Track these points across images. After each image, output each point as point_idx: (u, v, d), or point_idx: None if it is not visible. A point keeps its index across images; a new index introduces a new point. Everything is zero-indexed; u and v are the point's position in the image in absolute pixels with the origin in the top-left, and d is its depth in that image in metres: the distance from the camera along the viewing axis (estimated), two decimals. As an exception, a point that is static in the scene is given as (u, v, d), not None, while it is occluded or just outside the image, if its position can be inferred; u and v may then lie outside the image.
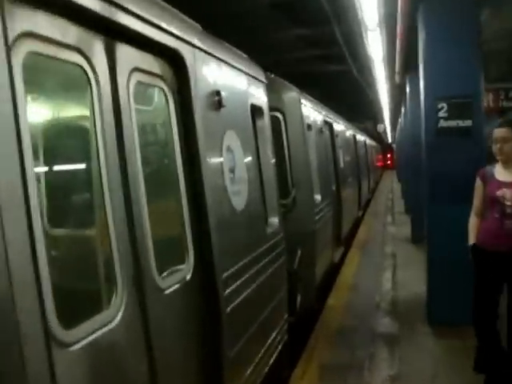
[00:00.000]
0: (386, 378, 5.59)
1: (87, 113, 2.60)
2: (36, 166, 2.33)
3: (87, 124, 2.64)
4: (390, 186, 34.38)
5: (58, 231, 3.10)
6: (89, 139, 2.63)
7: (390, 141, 55.70)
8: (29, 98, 2.29)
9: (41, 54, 2.27)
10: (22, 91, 2.07)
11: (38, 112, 2.79)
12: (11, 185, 1.92)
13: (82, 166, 2.95)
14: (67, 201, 3.01)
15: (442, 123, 6.85)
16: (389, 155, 60.76)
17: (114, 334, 2.52)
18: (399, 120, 27.12)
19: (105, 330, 2.44)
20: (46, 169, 2.92)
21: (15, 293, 1.86)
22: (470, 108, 6.79)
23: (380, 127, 42.01)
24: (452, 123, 6.82)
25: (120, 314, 2.58)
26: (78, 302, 2.66)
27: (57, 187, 3.00)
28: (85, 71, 2.53)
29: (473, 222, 5.25)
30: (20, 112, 2.01)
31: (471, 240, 5.16)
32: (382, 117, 33.96)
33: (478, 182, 5.22)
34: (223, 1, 9.07)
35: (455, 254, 6.64)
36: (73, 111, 3.09)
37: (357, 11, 8.07)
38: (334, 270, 10.27)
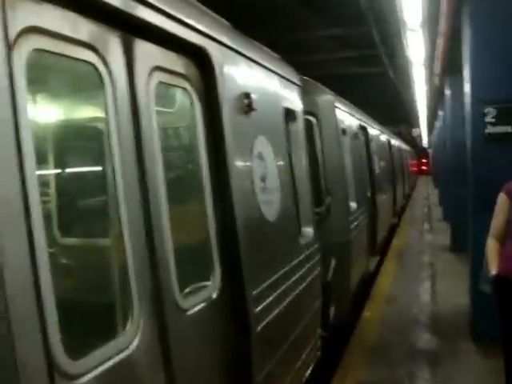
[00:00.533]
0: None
1: (101, 115, 2.38)
2: (41, 171, 2.09)
3: (101, 127, 2.45)
4: (426, 192, 33.84)
5: (67, 241, 2.89)
6: (102, 143, 2.42)
7: (425, 145, 55.02)
8: (32, 101, 2.07)
9: (47, 52, 2.05)
10: (24, 93, 1.86)
11: (42, 115, 2.57)
12: (9, 193, 1.71)
13: (95, 171, 2.76)
14: (78, 209, 2.80)
15: (490, 129, 6.51)
16: (424, 160, 59.96)
17: (130, 363, 2.27)
18: (436, 124, 26.62)
19: (119, 358, 2.19)
20: (52, 175, 2.71)
21: (11, 315, 1.62)
22: None
23: (415, 131, 41.52)
24: (501, 129, 6.47)
25: (136, 340, 2.33)
26: (88, 326, 2.45)
27: (65, 194, 2.78)
28: (98, 70, 2.31)
29: (493, 246, 4.62)
30: (21, 116, 1.81)
31: (493, 269, 4.56)
32: (417, 121, 33.49)
33: (503, 198, 4.66)
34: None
35: None
36: (84, 114, 2.87)
37: (397, 10, 7.78)
38: (369, 279, 9.99)
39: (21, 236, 1.72)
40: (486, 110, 6.50)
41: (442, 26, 8.00)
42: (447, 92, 13.46)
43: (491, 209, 6.53)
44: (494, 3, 6.53)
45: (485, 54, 6.59)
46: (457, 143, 11.85)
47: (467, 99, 6.88)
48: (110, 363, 2.13)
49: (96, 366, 2.05)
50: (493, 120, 6.47)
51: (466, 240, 7.56)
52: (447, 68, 11.51)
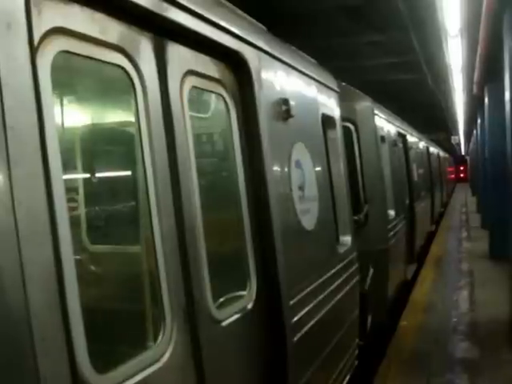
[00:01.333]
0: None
1: (131, 120, 2.31)
2: (68, 176, 2.05)
3: (131, 132, 2.36)
4: (464, 200, 33.27)
5: (97, 249, 2.81)
6: (133, 149, 2.34)
7: (463, 153, 54.19)
8: (58, 104, 2.01)
9: (74, 54, 1.98)
10: (49, 96, 1.79)
11: (68, 119, 2.52)
12: (33, 197, 1.61)
13: (127, 178, 2.67)
14: (109, 216, 2.69)
15: None
16: (462, 167, 59.05)
17: (161, 376, 2.18)
18: (474, 132, 26.17)
19: (150, 371, 2.10)
20: (80, 180, 2.65)
21: (34, 324, 1.53)
22: None
23: (454, 139, 40.89)
24: None
25: (168, 352, 2.23)
26: (117, 339, 2.35)
27: (95, 201, 2.71)
28: (128, 74, 2.23)
29: None
30: (46, 120, 1.74)
31: None
32: (455, 128, 32.96)
33: None
34: (293, 3, 8.84)
35: None
36: (114, 118, 2.79)
37: (437, 16, 7.68)
38: (407, 287, 9.87)
39: (46, 246, 1.63)
40: None
41: (482, 32, 7.87)
42: (486, 99, 13.26)
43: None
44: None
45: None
46: (496, 151, 11.68)
47: (507, 106, 6.77)
48: (140, 377, 2.04)
49: (124, 380, 1.96)
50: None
51: (504, 247, 7.44)
52: (487, 75, 11.34)
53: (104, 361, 1.91)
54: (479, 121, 18.70)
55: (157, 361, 2.16)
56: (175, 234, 2.39)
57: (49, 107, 1.77)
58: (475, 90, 13.50)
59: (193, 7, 2.58)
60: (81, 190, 2.56)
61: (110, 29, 2.12)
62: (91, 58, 2.05)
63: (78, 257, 2.14)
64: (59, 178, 1.77)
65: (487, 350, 6.65)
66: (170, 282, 2.29)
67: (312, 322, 3.79)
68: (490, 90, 12.69)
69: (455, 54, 10.26)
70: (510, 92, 6.72)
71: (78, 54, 1.99)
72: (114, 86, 2.43)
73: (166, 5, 2.37)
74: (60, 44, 1.89)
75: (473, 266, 11.91)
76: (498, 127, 10.61)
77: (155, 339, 2.23)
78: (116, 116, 2.72)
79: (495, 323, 7.60)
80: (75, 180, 3.04)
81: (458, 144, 45.25)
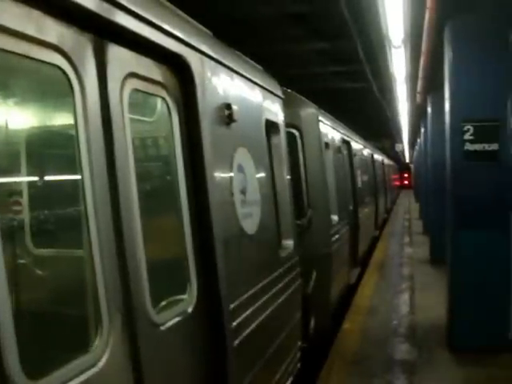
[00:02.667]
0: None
1: (69, 123, 2.25)
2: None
3: (69, 135, 2.30)
4: (408, 206, 34.03)
5: (39, 252, 2.71)
6: (71, 152, 2.26)
7: (407, 160, 55.46)
8: None
9: (7, 52, 1.90)
10: None
11: (2, 122, 2.43)
12: None
13: (63, 182, 2.60)
14: (45, 220, 2.60)
15: (468, 146, 6.67)
16: (406, 175, 60.50)
17: (98, 381, 2.13)
18: (418, 140, 26.85)
19: (86, 376, 2.04)
20: (17, 184, 2.56)
21: None
22: (497, 132, 6.61)
23: (398, 147, 41.81)
24: (478, 147, 6.64)
25: (105, 357, 2.18)
26: (53, 343, 2.28)
27: (31, 205, 2.60)
28: (66, 75, 2.17)
29: None
30: None
31: None
32: (400, 136, 33.71)
33: None
34: (237, 8, 8.88)
35: (479, 279, 6.73)
36: (52, 121, 2.70)
37: (381, 27, 7.87)
38: (350, 291, 10.05)
39: None
40: (465, 128, 6.64)
41: (424, 44, 8.12)
42: (429, 109, 13.65)
43: (469, 223, 6.70)
44: (474, 24, 6.66)
45: (464, 73, 6.74)
46: (437, 159, 12.07)
47: (447, 117, 6.99)
48: (75, 382, 1.99)
49: None
50: (471, 137, 6.61)
51: (444, 253, 7.69)
52: (429, 86, 11.67)
53: (37, 366, 1.86)
54: (422, 130, 19.20)
55: (93, 365, 2.11)
56: (113, 238, 2.35)
57: None
58: (418, 99, 13.87)
59: (135, 9, 2.54)
60: (18, 194, 2.47)
61: (48, 28, 2.06)
62: (27, 57, 1.99)
63: (21, 260, 2.08)
64: None
65: (424, 351, 6.85)
66: (107, 286, 2.25)
67: (253, 325, 3.79)
68: (432, 100, 13.09)
69: (399, 64, 10.50)
70: (449, 102, 6.95)
71: (12, 52, 1.92)
72: (52, 86, 2.36)
73: (106, 5, 2.32)
74: None
75: (414, 271, 12.22)
76: (439, 136, 10.95)
77: (92, 344, 2.18)
78: (53, 118, 2.63)
79: (432, 325, 7.83)
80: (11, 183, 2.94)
81: (403, 152, 46.28)
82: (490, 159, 6.60)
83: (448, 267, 7.16)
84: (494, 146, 6.59)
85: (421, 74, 10.58)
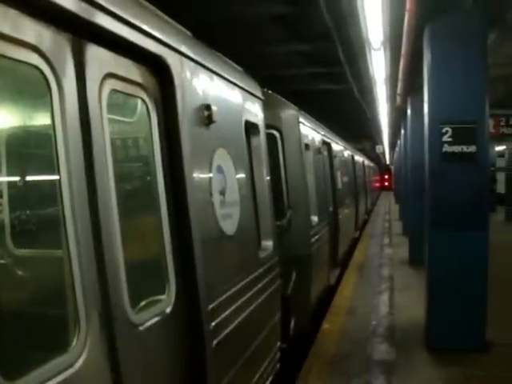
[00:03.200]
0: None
1: (47, 123, 2.23)
2: None
3: (46, 136, 2.27)
4: (388, 208, 34.28)
5: (19, 253, 2.68)
6: (49, 152, 2.25)
7: (387, 162, 55.88)
8: None
9: None
10: None
11: None
12: None
13: (41, 182, 2.58)
14: (21, 220, 2.59)
15: (447, 148, 6.77)
16: (386, 176, 60.97)
17: (76, 382, 2.12)
18: (398, 141, 27.06)
19: (63, 376, 2.04)
20: None
21: None
22: (475, 133, 6.70)
23: (379, 148, 42.10)
24: (457, 148, 6.74)
25: (83, 357, 2.18)
26: (30, 344, 2.24)
27: (12, 206, 2.58)
28: (44, 75, 2.16)
29: None
30: None
31: None
32: (380, 138, 33.94)
33: None
34: (219, 9, 8.90)
35: (456, 279, 6.80)
36: (30, 121, 2.68)
37: (361, 29, 7.93)
38: (330, 291, 10.09)
39: None
40: (443, 130, 6.73)
41: (404, 46, 8.19)
42: (409, 111, 13.77)
43: (446, 224, 6.78)
44: (452, 26, 6.75)
45: (443, 75, 6.82)
46: (416, 161, 12.18)
47: (426, 119, 7.08)
48: (52, 383, 1.98)
49: None
50: (449, 139, 6.70)
51: (422, 254, 7.78)
52: (409, 88, 11.78)
53: (14, 367, 1.85)
54: (402, 131, 19.37)
55: (71, 366, 2.11)
56: (91, 238, 2.35)
57: None
58: (399, 101, 13.97)
59: (114, 9, 2.54)
60: None
61: (25, 27, 2.05)
62: (3, 57, 1.97)
63: (1, 261, 2.05)
64: None
65: (403, 351, 6.90)
66: (85, 287, 2.25)
67: (232, 326, 3.80)
68: (412, 102, 13.22)
69: (379, 67, 10.57)
70: (428, 104, 7.03)
71: None
72: (29, 87, 2.34)
73: (85, 5, 2.31)
74: None
75: (393, 271, 12.31)
76: (418, 138, 11.07)
77: (70, 344, 2.18)
78: (32, 118, 2.61)
79: (411, 326, 7.89)
80: None
81: (383, 153, 46.62)
82: (468, 161, 6.69)
83: (426, 268, 7.23)
84: (472, 148, 6.68)
85: (400, 76, 10.68)
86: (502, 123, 14.63)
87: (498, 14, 7.66)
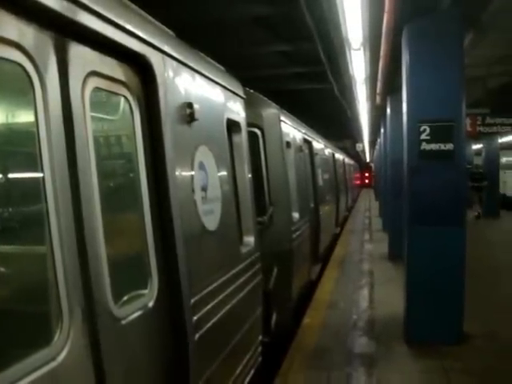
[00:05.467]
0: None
1: (29, 121, 2.25)
2: None
3: (29, 133, 2.29)
4: (368, 204, 34.55)
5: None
6: (32, 150, 2.27)
7: (368, 160, 56.24)
8: None
9: None
10: None
11: None
12: None
13: (24, 179, 2.56)
14: (7, 217, 2.61)
15: (425, 146, 6.89)
16: (367, 174, 61.38)
17: (58, 375, 2.16)
18: (378, 140, 27.29)
19: (45, 370, 2.07)
20: None
21: None
22: (452, 132, 6.83)
23: (359, 146, 42.33)
24: (434, 146, 6.86)
25: (65, 351, 2.21)
26: (11, 338, 2.22)
27: None
28: (27, 72, 2.18)
29: None
30: None
31: None
32: (361, 136, 34.15)
33: None
34: (202, 10, 8.94)
35: (434, 274, 6.94)
36: (10, 118, 2.69)
37: (341, 30, 8.03)
38: (311, 286, 10.18)
39: None
40: (421, 128, 6.86)
41: (383, 47, 8.30)
42: (388, 110, 13.94)
43: (424, 220, 6.92)
44: (430, 27, 6.86)
45: (421, 75, 6.95)
46: (395, 159, 12.37)
47: (404, 117, 7.21)
48: (34, 376, 2.01)
49: (17, 380, 1.93)
50: (427, 137, 6.83)
51: (401, 249, 7.92)
52: (388, 87, 11.93)
53: None
54: (382, 130, 19.55)
55: (53, 359, 2.15)
56: (74, 233, 2.38)
57: None
58: (378, 100, 14.11)
59: (97, 8, 2.57)
60: None
61: (8, 25, 2.06)
62: None
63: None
64: None
65: (382, 344, 7.03)
66: (67, 281, 2.28)
67: (214, 320, 3.85)
68: (391, 101, 13.40)
69: (359, 66, 10.67)
70: (406, 104, 7.16)
71: None
72: (12, 84, 2.35)
73: (68, 4, 2.34)
74: None
75: (373, 266, 12.47)
76: (397, 136, 11.23)
77: (52, 338, 2.21)
78: (14, 116, 2.62)
79: (391, 319, 8.03)
80: None
81: (363, 151, 46.88)
82: (446, 158, 6.82)
83: (405, 263, 7.37)
84: (450, 146, 6.81)
85: (380, 76, 10.80)
86: (479, 122, 14.88)
87: (475, 16, 7.84)
